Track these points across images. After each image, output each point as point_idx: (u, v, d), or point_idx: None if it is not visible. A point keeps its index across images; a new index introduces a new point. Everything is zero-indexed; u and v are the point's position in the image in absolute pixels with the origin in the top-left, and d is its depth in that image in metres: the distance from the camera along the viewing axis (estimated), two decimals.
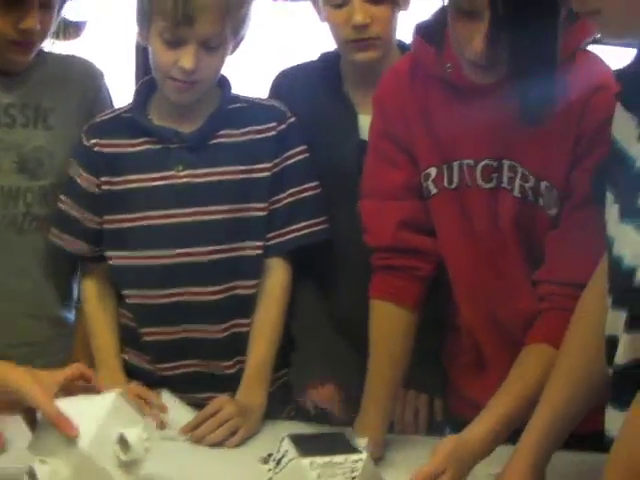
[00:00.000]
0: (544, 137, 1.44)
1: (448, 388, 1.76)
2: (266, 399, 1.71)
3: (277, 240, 1.75)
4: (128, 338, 1.81)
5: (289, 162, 1.76)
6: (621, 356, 1.15)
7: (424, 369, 1.75)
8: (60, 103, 1.83)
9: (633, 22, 1.10)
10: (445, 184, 1.54)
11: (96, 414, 1.29)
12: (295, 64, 1.91)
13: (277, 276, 1.76)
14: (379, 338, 1.62)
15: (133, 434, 1.28)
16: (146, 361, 1.80)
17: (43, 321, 1.87)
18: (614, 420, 1.18)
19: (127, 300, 1.79)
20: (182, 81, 1.67)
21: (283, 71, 1.90)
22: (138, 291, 1.77)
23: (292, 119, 1.78)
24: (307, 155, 1.78)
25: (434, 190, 1.56)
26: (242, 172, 1.73)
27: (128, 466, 1.29)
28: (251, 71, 2.69)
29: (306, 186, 1.77)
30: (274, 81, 1.89)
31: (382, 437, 1.59)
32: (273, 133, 1.75)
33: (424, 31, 1.55)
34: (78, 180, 1.77)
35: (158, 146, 1.74)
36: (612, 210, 1.18)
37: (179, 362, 1.78)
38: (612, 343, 1.17)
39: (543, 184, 1.46)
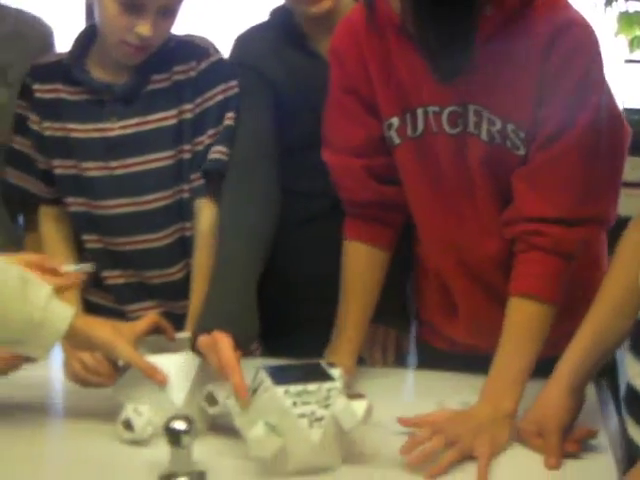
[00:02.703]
0: (508, 80, 1.43)
1: (418, 319, 1.78)
2: None
3: (199, 182, 1.72)
4: (91, 280, 1.79)
5: (209, 103, 1.72)
6: None
7: (393, 306, 1.77)
8: (16, 60, 1.80)
9: None
10: (408, 133, 1.53)
11: (188, 372, 1.43)
12: (249, 27, 1.83)
13: (204, 217, 1.71)
14: (352, 274, 1.64)
15: (220, 391, 1.40)
16: (111, 301, 1.81)
17: None
18: (631, 365, 1.21)
19: (86, 245, 1.78)
20: (136, 45, 1.64)
21: (240, 37, 1.82)
22: (94, 237, 1.77)
23: (214, 57, 1.73)
24: (230, 93, 1.73)
25: (397, 140, 1.54)
26: (173, 117, 1.71)
27: (211, 420, 1.43)
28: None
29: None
30: (233, 49, 1.81)
31: (353, 364, 1.60)
32: (193, 74, 1.72)
33: None
34: (28, 122, 1.76)
35: (93, 98, 1.72)
36: None
37: (142, 304, 1.79)
38: None
39: (509, 126, 1.45)
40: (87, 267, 1.68)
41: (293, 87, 1.75)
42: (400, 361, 1.82)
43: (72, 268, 1.63)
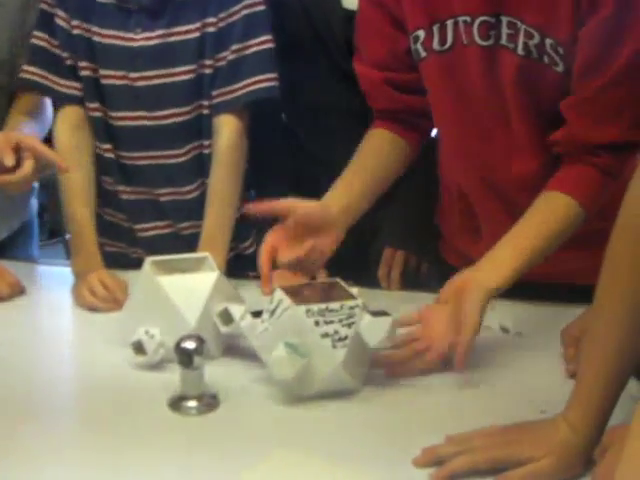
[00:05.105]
0: None
1: (441, 241, 1.73)
2: (224, 262, 1.62)
3: (220, 99, 1.68)
4: (105, 197, 1.76)
5: (233, 18, 1.67)
6: None
7: (415, 234, 1.75)
8: None
9: None
10: (435, 46, 1.46)
11: (202, 292, 1.38)
12: None
13: (224, 135, 1.67)
14: (363, 149, 1.56)
15: (236, 309, 1.35)
16: (123, 220, 1.78)
17: None
18: None
19: (101, 154, 1.74)
20: None
21: None
22: (109, 146, 1.73)
23: None
24: (255, 10, 1.68)
25: (423, 53, 1.49)
26: (196, 30, 1.66)
27: (225, 343, 1.40)
28: None
29: (250, 42, 1.67)
30: None
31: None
32: None
33: None
34: (55, 18, 1.70)
35: (121, 4, 1.67)
36: None
37: (153, 223, 1.76)
38: None
39: (548, 41, 1.38)
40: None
41: (300, 8, 1.71)
42: (419, 285, 1.76)
43: None
